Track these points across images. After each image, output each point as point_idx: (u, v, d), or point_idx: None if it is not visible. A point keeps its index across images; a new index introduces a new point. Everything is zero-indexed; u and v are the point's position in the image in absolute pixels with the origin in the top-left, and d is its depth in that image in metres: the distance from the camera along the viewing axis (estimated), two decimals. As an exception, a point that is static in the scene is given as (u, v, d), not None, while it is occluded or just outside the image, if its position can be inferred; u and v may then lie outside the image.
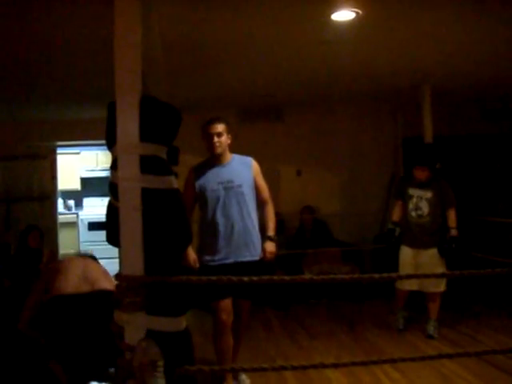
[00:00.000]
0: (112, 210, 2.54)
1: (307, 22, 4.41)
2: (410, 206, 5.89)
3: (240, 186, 4.30)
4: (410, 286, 5.90)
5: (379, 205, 7.96)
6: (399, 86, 7.24)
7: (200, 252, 4.33)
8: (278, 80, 6.75)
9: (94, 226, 11.40)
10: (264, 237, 4.45)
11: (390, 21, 4.51)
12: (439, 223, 5.83)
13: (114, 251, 5.77)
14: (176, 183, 2.56)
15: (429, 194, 5.82)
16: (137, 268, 2.39)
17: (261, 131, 8.41)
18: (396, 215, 6.10)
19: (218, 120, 4.36)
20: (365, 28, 4.59)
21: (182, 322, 2.52)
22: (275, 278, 2.79)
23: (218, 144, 4.29)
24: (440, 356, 3.31)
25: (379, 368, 4.66)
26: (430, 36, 5.00)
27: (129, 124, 2.45)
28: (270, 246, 4.36)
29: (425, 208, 5.83)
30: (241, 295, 4.33)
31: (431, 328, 5.82)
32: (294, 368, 3.03)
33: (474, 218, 7.59)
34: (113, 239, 2.54)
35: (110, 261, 10.58)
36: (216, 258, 4.24)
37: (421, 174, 5.87)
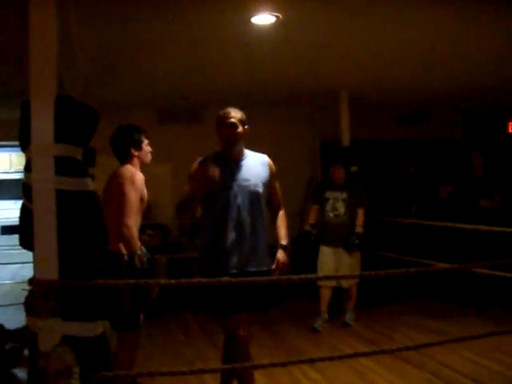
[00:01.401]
0: (26, 212, 2.46)
1: (227, 24, 4.42)
2: (327, 207, 6.27)
3: (256, 185, 3.74)
4: (330, 282, 6.22)
5: (297, 208, 8.04)
6: (318, 91, 7.38)
7: (202, 257, 3.78)
8: (198, 81, 6.74)
9: (7, 230, 11.01)
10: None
11: (309, 26, 4.59)
12: (355, 222, 6.24)
13: (29, 256, 5.55)
14: (92, 185, 2.50)
15: (344, 195, 6.26)
16: (51, 272, 2.32)
17: (180, 132, 8.35)
18: (312, 218, 6.42)
19: (233, 109, 3.84)
20: (285, 32, 4.66)
21: (97, 327, 2.46)
22: (194, 280, 2.78)
23: (231, 137, 3.74)
24: (357, 354, 3.40)
25: (298, 368, 4.72)
26: (347, 43, 5.13)
27: (43, 124, 2.38)
28: (284, 256, 3.80)
29: (341, 208, 6.23)
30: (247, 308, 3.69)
31: (348, 317, 6.24)
32: (212, 371, 3.04)
33: (387, 220, 7.83)
34: (26, 242, 2.47)
35: (24, 266, 10.26)
36: (220, 266, 3.61)
37: (337, 173, 6.28)
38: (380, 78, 6.78)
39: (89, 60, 5.04)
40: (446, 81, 7.11)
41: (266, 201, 3.82)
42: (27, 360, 2.46)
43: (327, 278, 6.11)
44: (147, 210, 4.08)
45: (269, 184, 3.82)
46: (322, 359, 3.02)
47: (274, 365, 3.09)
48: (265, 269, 3.71)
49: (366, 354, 3.07)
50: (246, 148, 3.86)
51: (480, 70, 6.51)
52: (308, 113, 8.92)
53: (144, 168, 4.07)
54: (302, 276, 3.04)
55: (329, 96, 7.38)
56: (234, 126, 3.74)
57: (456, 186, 7.39)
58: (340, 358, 3.41)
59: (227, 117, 3.77)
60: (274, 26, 4.41)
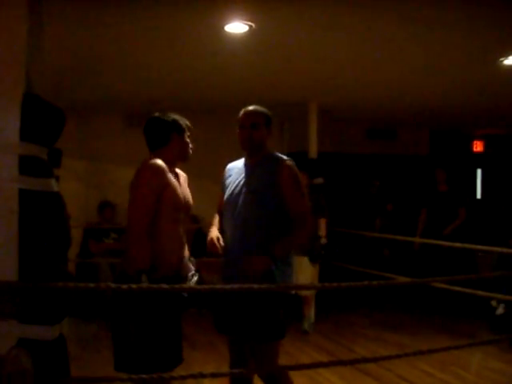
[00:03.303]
0: (-14, 211, 2.42)
1: (200, 30, 4.42)
2: None
3: (255, 192, 3.31)
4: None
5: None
6: (287, 101, 7.42)
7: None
8: (167, 87, 6.73)
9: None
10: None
11: (281, 37, 4.62)
12: (313, 232, 6.20)
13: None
14: (57, 186, 2.47)
15: None
16: (10, 273, 2.28)
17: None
18: None
19: (255, 108, 3.48)
20: (257, 42, 4.68)
21: (55, 331, 2.43)
22: (154, 286, 2.76)
23: (247, 138, 3.40)
24: (315, 365, 3.42)
25: (256, 377, 4.71)
26: (318, 56, 5.18)
27: (8, 122, 2.34)
28: (255, 260, 3.19)
29: None
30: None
31: (306, 325, 6.33)
32: (172, 378, 3.01)
33: (351, 233, 7.90)
34: (-14, 242, 2.42)
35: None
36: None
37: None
38: (349, 92, 6.86)
39: (59, 61, 5.00)
40: (415, 99, 7.26)
41: (279, 211, 3.28)
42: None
43: (288, 287, 6.10)
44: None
45: (280, 191, 3.26)
46: (280, 368, 3.02)
47: (232, 373, 3.08)
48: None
49: (325, 365, 3.09)
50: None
51: (449, 91, 6.66)
52: (276, 122, 8.95)
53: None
54: (265, 285, 3.05)
55: (298, 107, 7.42)
56: (255, 127, 3.40)
57: (426, 204, 7.63)
58: (299, 368, 3.41)
59: (245, 116, 3.46)
60: (246, 35, 4.43)
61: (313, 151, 7.33)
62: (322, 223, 6.35)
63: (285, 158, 3.39)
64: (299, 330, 6.29)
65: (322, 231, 6.33)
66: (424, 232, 7.39)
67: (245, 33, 4.39)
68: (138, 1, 3.77)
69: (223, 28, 4.29)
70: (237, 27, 4.28)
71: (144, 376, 2.67)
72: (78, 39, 4.62)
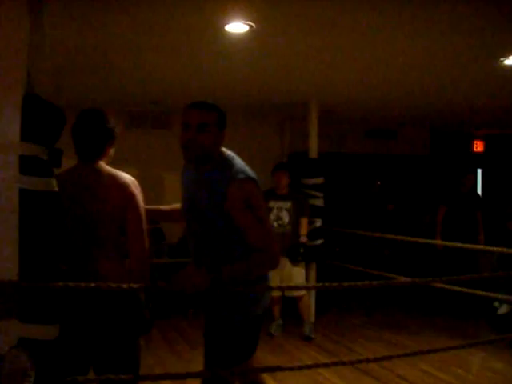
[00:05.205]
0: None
1: (201, 30, 4.41)
2: (272, 217, 6.20)
3: (204, 211, 2.80)
4: (276, 292, 5.99)
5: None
6: (288, 101, 7.42)
7: None
8: (168, 87, 6.73)
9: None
10: None
11: (281, 37, 4.61)
12: (298, 232, 6.27)
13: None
14: (56, 186, 2.47)
15: (288, 205, 6.29)
16: (10, 272, 2.28)
17: (148, 137, 8.33)
18: None
19: (205, 104, 2.81)
20: (257, 42, 4.67)
21: (56, 330, 2.43)
22: (156, 286, 2.76)
23: (190, 142, 2.72)
24: (317, 365, 3.42)
25: (257, 377, 4.72)
26: (319, 55, 5.17)
27: (9, 122, 2.34)
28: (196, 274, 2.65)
29: (285, 218, 6.26)
30: None
31: (307, 330, 6.22)
32: (172, 377, 3.02)
33: (355, 233, 7.89)
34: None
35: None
36: None
37: (281, 179, 6.32)
38: (350, 91, 6.86)
39: (59, 61, 5.01)
40: (415, 99, 7.26)
41: (232, 232, 2.75)
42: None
43: (272, 288, 6.11)
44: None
45: (229, 212, 2.70)
46: (282, 369, 3.02)
47: (232, 373, 3.08)
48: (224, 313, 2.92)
49: (325, 365, 3.09)
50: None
51: (449, 90, 6.67)
52: (277, 122, 8.95)
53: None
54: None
55: (299, 106, 7.43)
56: (202, 128, 2.73)
57: (446, 203, 7.71)
58: (300, 368, 3.41)
59: (191, 113, 2.77)
60: (247, 35, 4.42)
61: (313, 151, 7.32)
62: (304, 222, 6.31)
63: (237, 173, 2.79)
64: (301, 332, 6.24)
65: (303, 229, 6.27)
66: (444, 232, 7.42)
67: (245, 33, 4.38)
68: (138, 0, 3.77)
69: (224, 28, 4.29)
70: (237, 27, 4.27)
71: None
72: (79, 39, 4.61)
